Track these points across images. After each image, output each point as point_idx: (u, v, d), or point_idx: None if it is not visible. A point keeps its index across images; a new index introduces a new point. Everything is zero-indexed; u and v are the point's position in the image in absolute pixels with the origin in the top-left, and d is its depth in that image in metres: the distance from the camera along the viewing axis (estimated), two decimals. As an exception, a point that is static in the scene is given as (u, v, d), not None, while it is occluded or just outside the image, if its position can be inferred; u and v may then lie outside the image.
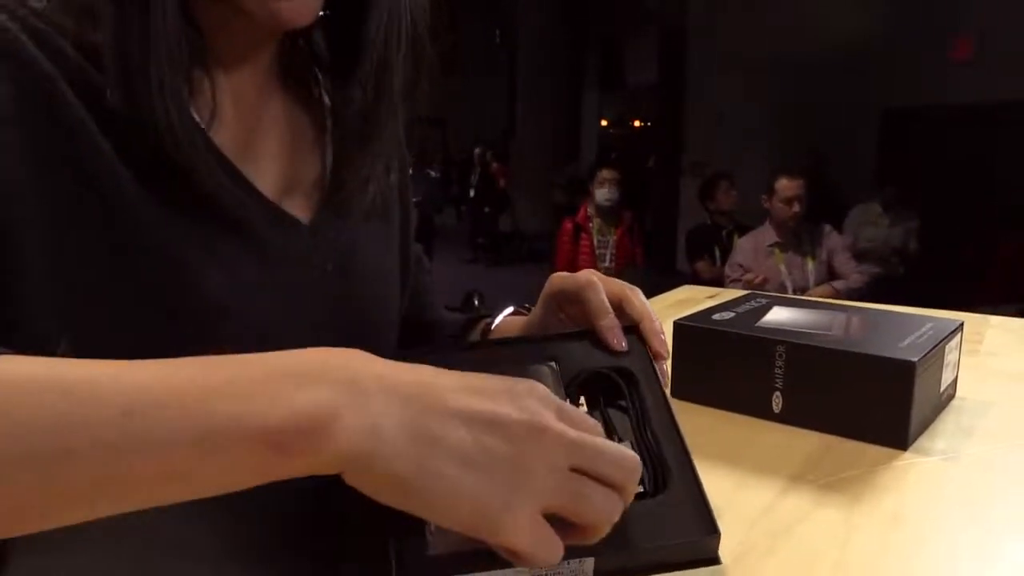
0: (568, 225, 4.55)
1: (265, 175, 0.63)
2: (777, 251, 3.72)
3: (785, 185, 3.63)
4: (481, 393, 0.40)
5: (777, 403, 0.78)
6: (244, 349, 0.40)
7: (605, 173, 4.43)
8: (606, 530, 0.41)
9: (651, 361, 0.55)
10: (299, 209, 0.64)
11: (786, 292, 3.59)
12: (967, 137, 6.07)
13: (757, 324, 0.83)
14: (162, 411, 0.36)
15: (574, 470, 0.40)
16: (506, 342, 0.61)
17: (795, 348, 0.77)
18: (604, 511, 0.41)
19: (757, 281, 3.58)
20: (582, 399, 0.54)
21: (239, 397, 0.36)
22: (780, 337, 0.78)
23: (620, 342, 0.56)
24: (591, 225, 4.51)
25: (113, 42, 0.52)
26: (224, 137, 0.59)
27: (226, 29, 0.59)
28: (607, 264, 4.51)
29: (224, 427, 0.36)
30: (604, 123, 12.21)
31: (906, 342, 0.76)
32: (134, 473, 0.35)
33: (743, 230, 4.31)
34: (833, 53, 6.37)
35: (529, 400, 0.41)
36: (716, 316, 0.86)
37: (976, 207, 5.73)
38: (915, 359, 0.70)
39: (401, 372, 0.40)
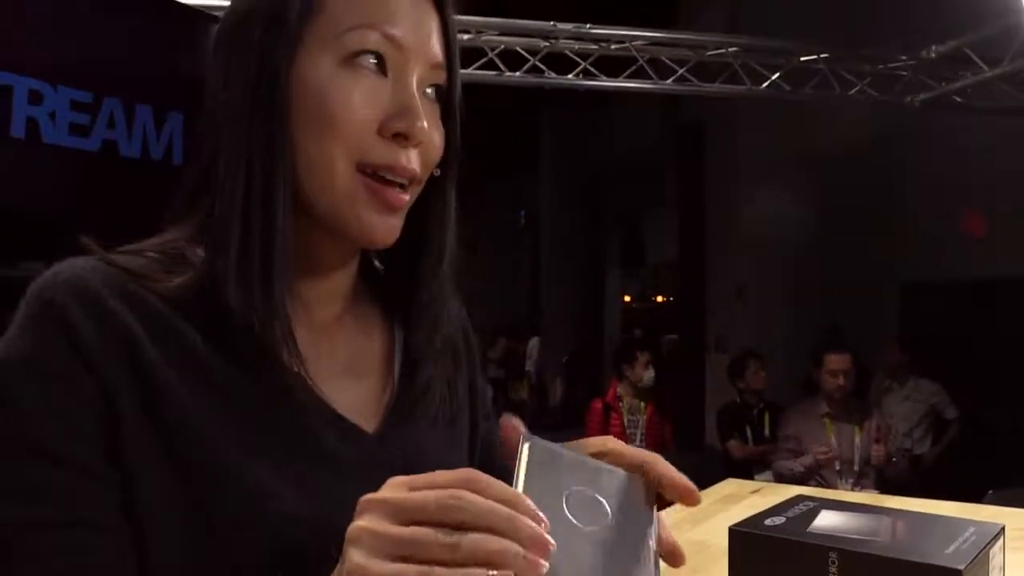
0: (598, 405, 4.60)
1: (331, 386, 0.68)
2: (827, 422, 3.78)
3: (833, 360, 3.78)
4: None
5: (834, 609, 0.82)
6: (326, 554, 0.50)
7: (643, 356, 4.49)
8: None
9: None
10: (367, 419, 0.69)
11: (835, 464, 3.68)
12: (983, 309, 6.14)
13: (808, 530, 0.88)
14: None
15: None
16: None
17: (846, 555, 0.82)
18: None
19: (823, 458, 3.62)
20: None
21: None
22: (831, 544, 0.83)
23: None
24: (621, 405, 4.54)
25: (236, 265, 0.61)
26: (306, 357, 0.65)
27: (313, 248, 0.67)
28: (637, 443, 4.51)
29: None
30: (627, 299, 12.51)
31: (951, 548, 0.80)
32: None
33: (773, 409, 4.35)
34: (848, 231, 6.58)
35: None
36: (768, 522, 0.91)
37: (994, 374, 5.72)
38: (961, 567, 0.75)
39: None
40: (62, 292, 0.57)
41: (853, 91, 4.00)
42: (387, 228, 0.65)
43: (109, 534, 0.56)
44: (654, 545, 0.56)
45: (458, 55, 0.71)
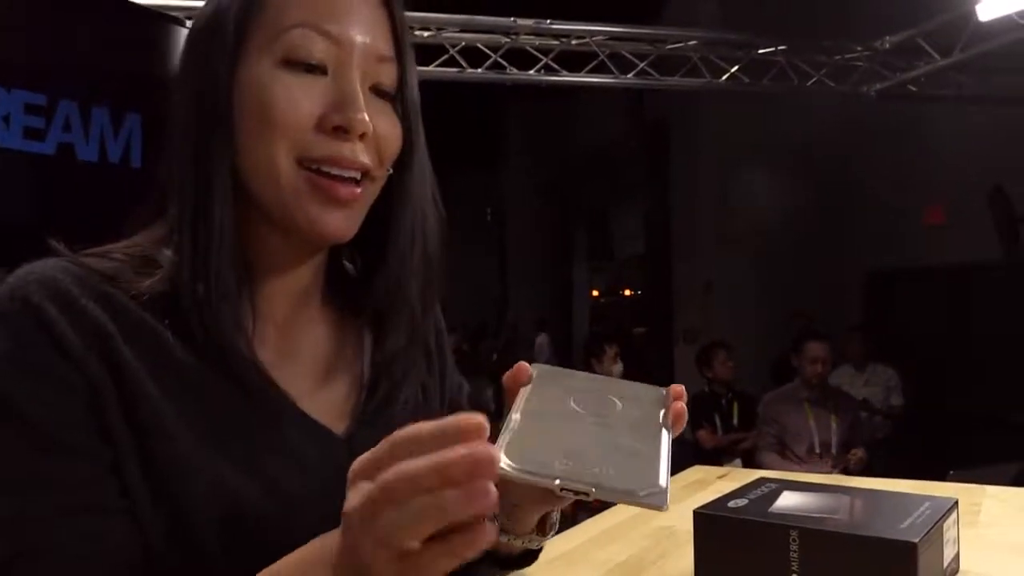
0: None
1: (301, 387, 0.69)
2: (807, 406, 3.86)
3: (813, 347, 3.85)
4: None
5: (795, 586, 0.84)
6: (285, 543, 0.52)
7: (611, 349, 4.51)
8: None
9: None
10: (336, 421, 0.70)
11: (814, 446, 3.79)
12: (943, 296, 6.27)
13: (770, 510, 0.90)
14: None
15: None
16: None
17: (806, 533, 0.84)
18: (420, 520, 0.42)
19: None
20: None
21: None
22: (792, 522, 0.85)
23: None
24: (591, 398, 4.55)
25: (187, 277, 0.62)
26: (263, 353, 0.66)
27: (271, 248, 0.68)
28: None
29: None
30: (595, 294, 12.57)
31: (906, 523, 0.83)
32: None
33: (742, 398, 4.41)
34: (813, 224, 6.67)
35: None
36: (731, 504, 0.93)
37: (954, 363, 5.85)
38: (916, 539, 0.78)
39: None
40: (36, 291, 0.58)
41: (811, 82, 4.06)
42: (335, 222, 0.65)
43: (116, 518, 0.58)
44: (667, 434, 0.56)
45: (411, 49, 0.71)
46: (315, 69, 0.64)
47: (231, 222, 0.64)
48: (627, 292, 12.31)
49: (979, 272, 5.82)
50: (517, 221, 12.62)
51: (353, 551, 0.45)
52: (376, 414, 0.72)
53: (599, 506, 0.80)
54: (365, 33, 0.66)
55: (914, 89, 4.07)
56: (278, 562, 0.53)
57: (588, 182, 11.15)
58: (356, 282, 0.77)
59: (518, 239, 12.59)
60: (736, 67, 3.91)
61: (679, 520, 1.10)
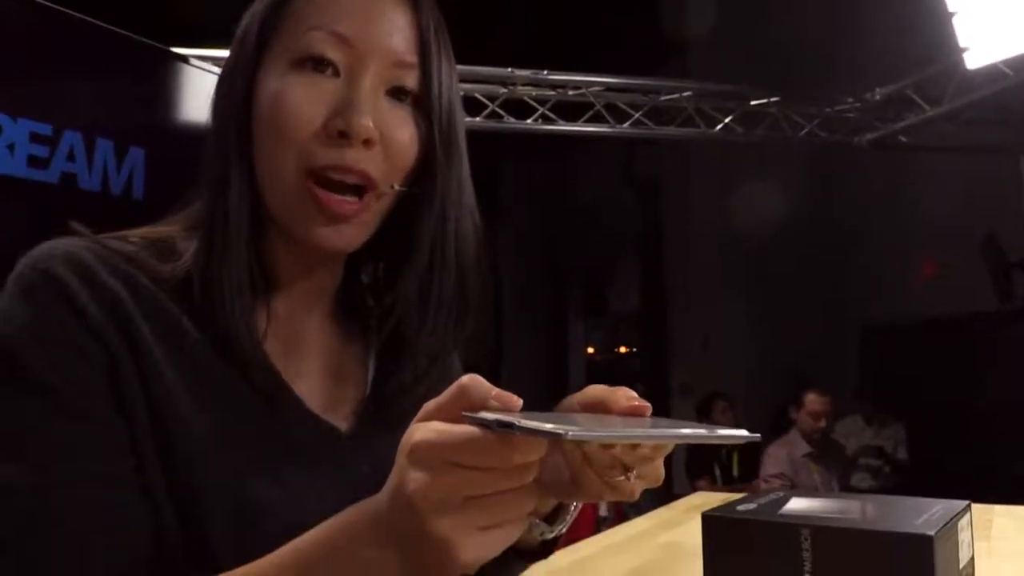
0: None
1: (308, 385, 0.70)
2: (811, 462, 3.83)
3: (813, 400, 3.83)
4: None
5: (809, 587, 0.82)
6: (287, 541, 0.54)
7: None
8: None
9: None
10: (342, 418, 0.71)
11: None
12: (941, 348, 6.26)
13: (780, 512, 0.89)
14: None
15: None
16: None
17: (819, 531, 0.82)
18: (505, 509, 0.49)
19: None
20: None
21: None
22: (803, 522, 0.84)
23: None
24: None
25: (199, 273, 0.63)
26: (273, 350, 0.67)
27: (285, 257, 0.69)
28: (610, 516, 4.45)
29: None
30: (591, 350, 12.53)
31: (921, 520, 0.81)
32: None
33: (743, 449, 4.36)
34: (807, 277, 6.70)
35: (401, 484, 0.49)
36: (741, 507, 0.92)
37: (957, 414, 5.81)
38: (932, 532, 0.76)
39: None
40: (58, 264, 0.59)
41: (803, 132, 4.13)
42: (336, 238, 0.65)
43: (135, 492, 0.58)
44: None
45: (443, 53, 0.69)
46: (325, 68, 0.64)
47: (246, 225, 0.64)
48: (622, 349, 12.26)
49: (974, 323, 5.82)
50: (510, 278, 12.64)
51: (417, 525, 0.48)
52: (380, 416, 0.72)
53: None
54: (383, 35, 0.65)
55: (905, 139, 4.14)
56: (303, 536, 0.54)
57: (582, 238, 11.20)
58: (369, 292, 0.78)
59: (512, 296, 12.59)
60: (729, 118, 3.98)
61: (683, 536, 1.09)
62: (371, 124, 0.63)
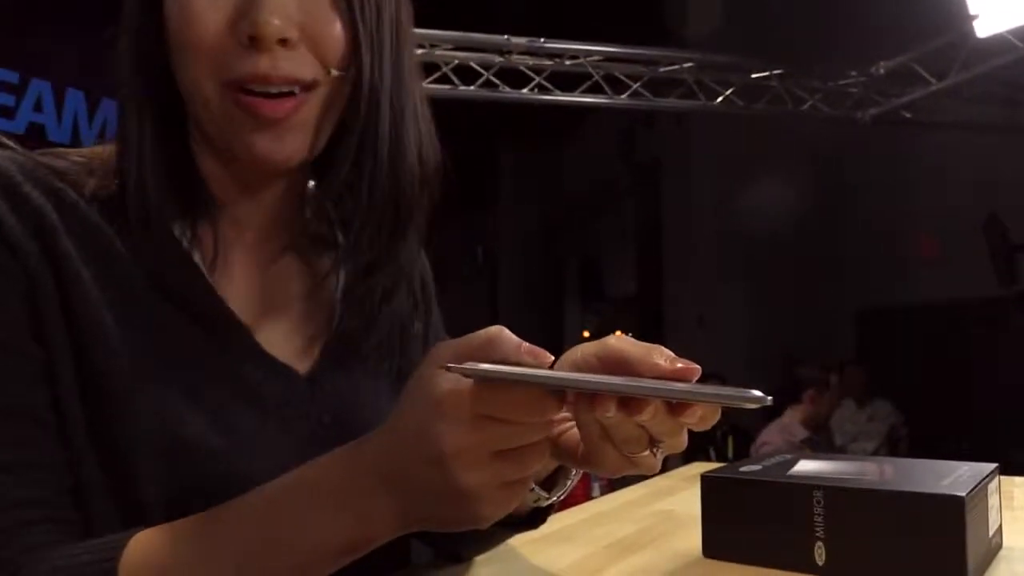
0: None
1: (269, 326, 0.63)
2: (808, 450, 3.82)
3: (812, 395, 3.81)
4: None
5: (820, 554, 0.74)
6: (240, 492, 0.49)
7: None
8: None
9: None
10: (303, 361, 0.64)
11: None
12: (939, 332, 6.20)
13: (788, 473, 0.80)
14: None
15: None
16: None
17: (833, 492, 0.73)
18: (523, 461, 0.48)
19: None
20: None
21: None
22: (816, 482, 0.75)
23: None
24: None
25: (133, 192, 0.58)
26: (230, 286, 0.61)
27: (223, 177, 0.62)
28: (601, 481, 4.39)
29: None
30: (586, 334, 12.47)
31: (946, 481, 0.73)
32: None
33: (736, 431, 4.30)
34: (805, 258, 6.63)
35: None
36: (744, 468, 0.83)
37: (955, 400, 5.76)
38: (963, 494, 0.67)
39: None
40: None
41: (805, 107, 4.03)
42: (279, 148, 0.57)
43: (47, 424, 0.53)
44: None
45: None
46: None
47: (156, 142, 0.59)
48: (618, 333, 12.21)
49: (975, 307, 5.75)
50: (509, 262, 12.57)
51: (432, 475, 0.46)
52: (344, 355, 0.67)
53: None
54: None
55: (908, 115, 4.04)
56: (272, 483, 0.50)
57: (580, 223, 11.15)
58: (339, 226, 0.71)
59: (509, 280, 12.52)
60: (730, 90, 3.88)
61: (677, 505, 1.03)
62: (280, 21, 0.55)
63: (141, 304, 0.57)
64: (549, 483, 0.62)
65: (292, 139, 0.58)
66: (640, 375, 0.47)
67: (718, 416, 0.48)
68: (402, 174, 0.63)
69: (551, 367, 0.48)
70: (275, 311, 0.65)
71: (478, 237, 13.26)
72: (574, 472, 0.63)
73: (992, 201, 4.98)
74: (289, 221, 0.68)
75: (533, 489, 0.59)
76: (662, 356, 0.47)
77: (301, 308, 0.68)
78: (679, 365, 0.47)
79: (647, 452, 0.50)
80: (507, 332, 0.47)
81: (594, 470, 0.55)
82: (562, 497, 0.64)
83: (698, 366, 0.47)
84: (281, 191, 0.66)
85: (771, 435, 4.02)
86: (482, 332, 0.47)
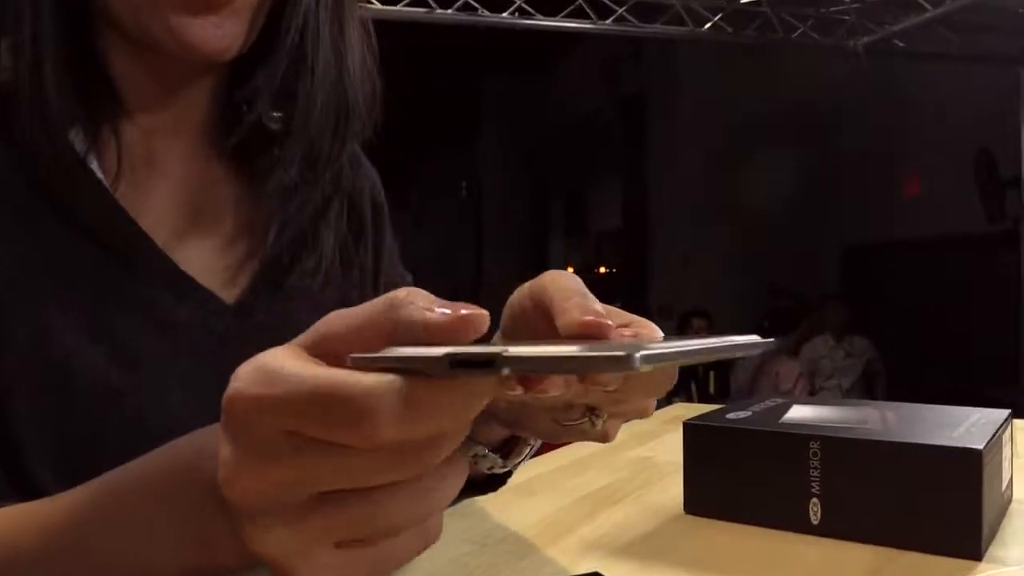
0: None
1: (193, 244, 0.56)
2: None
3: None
4: None
5: (815, 512, 0.66)
6: (150, 431, 0.39)
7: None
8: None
9: None
10: (225, 286, 0.57)
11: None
12: (921, 269, 6.17)
13: (781, 421, 0.72)
14: None
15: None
16: None
17: (832, 443, 0.65)
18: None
19: None
20: None
21: None
22: (812, 432, 0.67)
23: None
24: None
25: (26, 89, 0.49)
26: (144, 204, 0.53)
27: (136, 74, 0.53)
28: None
29: None
30: (570, 269, 12.41)
31: (959, 431, 0.65)
32: None
33: (717, 366, 4.27)
34: (789, 196, 6.56)
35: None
36: (731, 415, 0.75)
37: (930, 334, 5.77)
38: (980, 446, 0.59)
39: None
40: None
41: (796, 34, 3.88)
42: (214, 37, 0.50)
43: None
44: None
45: None
46: None
47: (56, 32, 0.50)
48: (602, 269, 12.18)
49: (960, 243, 5.71)
50: (492, 195, 12.43)
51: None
52: (279, 280, 0.59)
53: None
54: None
55: (902, 44, 3.91)
56: (128, 464, 0.38)
57: (564, 156, 11.00)
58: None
59: (493, 213, 12.40)
60: (719, 16, 3.73)
61: (657, 451, 0.96)
62: None
63: (23, 212, 0.49)
64: (506, 448, 0.52)
65: (228, 28, 0.50)
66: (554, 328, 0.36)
67: (671, 384, 0.41)
68: (346, 76, 0.58)
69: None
70: (201, 230, 0.58)
71: (461, 171, 13.09)
72: (531, 443, 0.53)
73: (984, 136, 4.89)
74: (216, 129, 0.60)
75: (486, 455, 0.49)
76: (578, 307, 0.36)
77: (232, 227, 0.60)
78: (587, 318, 0.35)
79: (585, 420, 0.41)
80: (419, 293, 0.31)
81: (526, 435, 0.48)
82: (519, 463, 0.55)
83: (610, 323, 0.35)
84: (207, 93, 0.58)
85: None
86: (383, 297, 0.31)
